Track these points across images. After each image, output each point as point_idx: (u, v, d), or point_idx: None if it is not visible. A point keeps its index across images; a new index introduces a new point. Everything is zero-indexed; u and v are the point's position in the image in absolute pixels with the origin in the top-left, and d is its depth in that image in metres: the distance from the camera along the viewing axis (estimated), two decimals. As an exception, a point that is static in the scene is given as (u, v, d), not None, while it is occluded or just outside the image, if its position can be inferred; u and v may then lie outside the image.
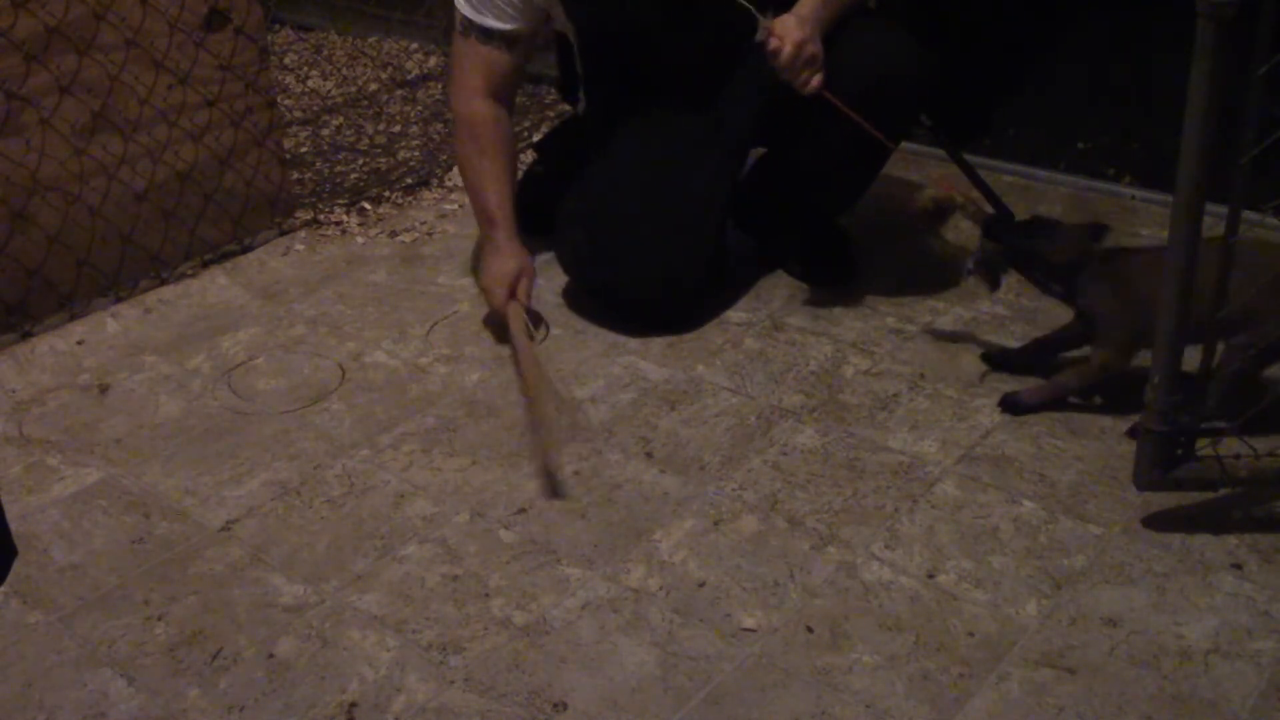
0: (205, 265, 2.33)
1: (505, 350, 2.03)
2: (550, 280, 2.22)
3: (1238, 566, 1.52)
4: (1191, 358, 1.50)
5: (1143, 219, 2.42)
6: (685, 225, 2.07)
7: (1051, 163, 2.63)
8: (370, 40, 3.53)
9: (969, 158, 2.51)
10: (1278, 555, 1.54)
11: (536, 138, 2.69)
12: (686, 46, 2.06)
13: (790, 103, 1.94)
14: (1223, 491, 1.61)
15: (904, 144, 2.66)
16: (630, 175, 2.09)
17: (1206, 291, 1.65)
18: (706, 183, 2.12)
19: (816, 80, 1.91)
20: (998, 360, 1.94)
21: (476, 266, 2.21)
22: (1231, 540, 1.56)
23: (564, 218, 2.17)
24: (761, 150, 2.30)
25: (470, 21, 2.07)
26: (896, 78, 2.01)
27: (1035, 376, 1.88)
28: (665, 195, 2.06)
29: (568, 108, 2.50)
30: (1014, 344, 1.99)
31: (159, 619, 1.49)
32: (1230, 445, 1.54)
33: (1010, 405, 1.84)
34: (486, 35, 2.07)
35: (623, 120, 2.13)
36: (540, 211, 2.26)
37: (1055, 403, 1.83)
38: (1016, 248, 1.80)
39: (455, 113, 2.15)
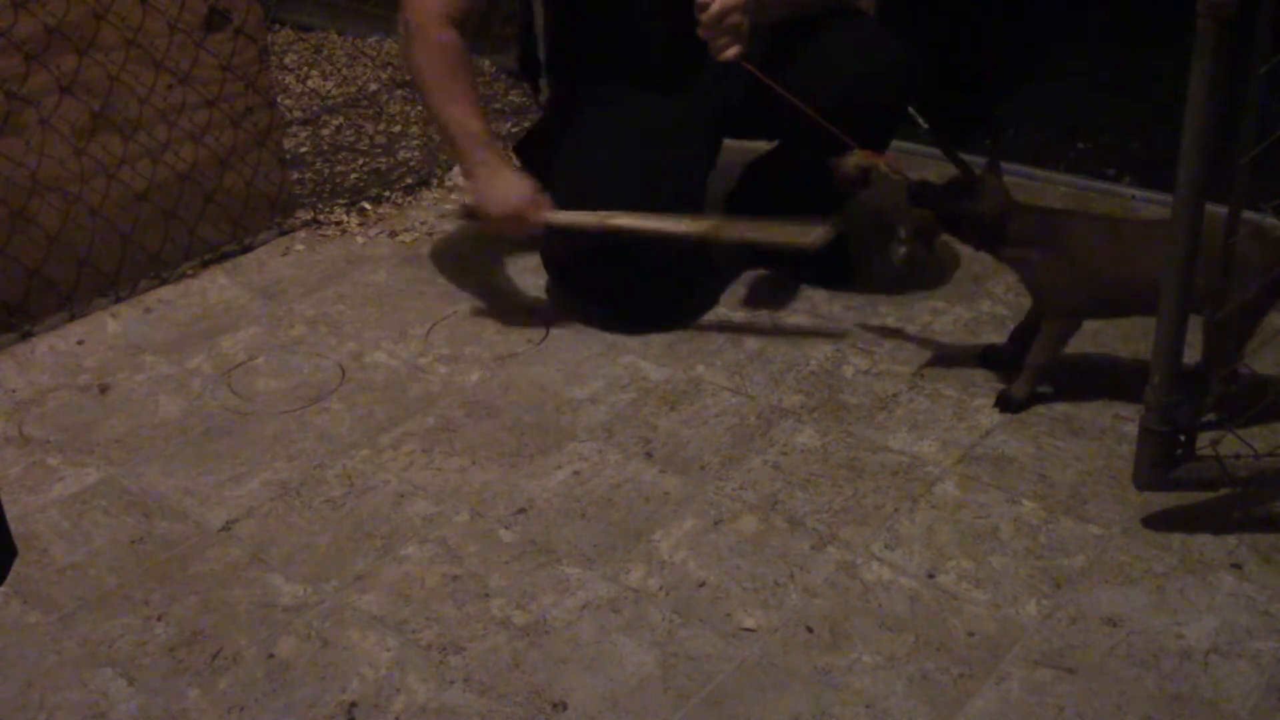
0: (205, 265, 2.33)
1: (507, 349, 2.03)
2: (547, 279, 2.22)
3: (1238, 566, 1.52)
4: (1190, 358, 1.50)
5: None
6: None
7: (1051, 163, 2.63)
8: (370, 40, 3.53)
9: (968, 157, 2.51)
10: (1278, 555, 1.54)
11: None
12: (651, 14, 2.04)
13: (773, 97, 1.93)
14: (1223, 491, 1.61)
15: (903, 143, 2.67)
16: (601, 175, 2.06)
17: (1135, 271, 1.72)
18: (679, 174, 2.10)
19: (732, 51, 1.88)
20: (988, 358, 1.95)
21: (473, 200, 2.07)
22: (1231, 540, 1.56)
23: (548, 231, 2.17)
24: (753, 149, 2.29)
25: None
26: (879, 80, 2.00)
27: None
28: (638, 191, 2.03)
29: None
30: (1014, 344, 1.99)
31: (159, 619, 1.49)
32: (1230, 445, 1.54)
33: (1004, 403, 1.84)
34: None
35: (588, 111, 2.11)
36: None
37: (1040, 384, 1.85)
38: (943, 210, 1.81)
39: (421, 35, 1.98)
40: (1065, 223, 1.83)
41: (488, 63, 3.22)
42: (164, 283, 2.27)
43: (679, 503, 1.67)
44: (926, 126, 2.44)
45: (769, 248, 2.06)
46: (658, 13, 2.04)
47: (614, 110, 2.10)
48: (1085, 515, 1.62)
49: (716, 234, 2.00)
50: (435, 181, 2.67)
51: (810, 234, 1.94)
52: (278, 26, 3.51)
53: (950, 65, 2.65)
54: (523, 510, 1.66)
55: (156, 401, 1.93)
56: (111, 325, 2.15)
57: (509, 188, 1.98)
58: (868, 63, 2.00)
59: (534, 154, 2.29)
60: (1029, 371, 1.84)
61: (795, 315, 2.13)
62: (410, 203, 2.59)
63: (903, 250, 1.85)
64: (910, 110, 2.34)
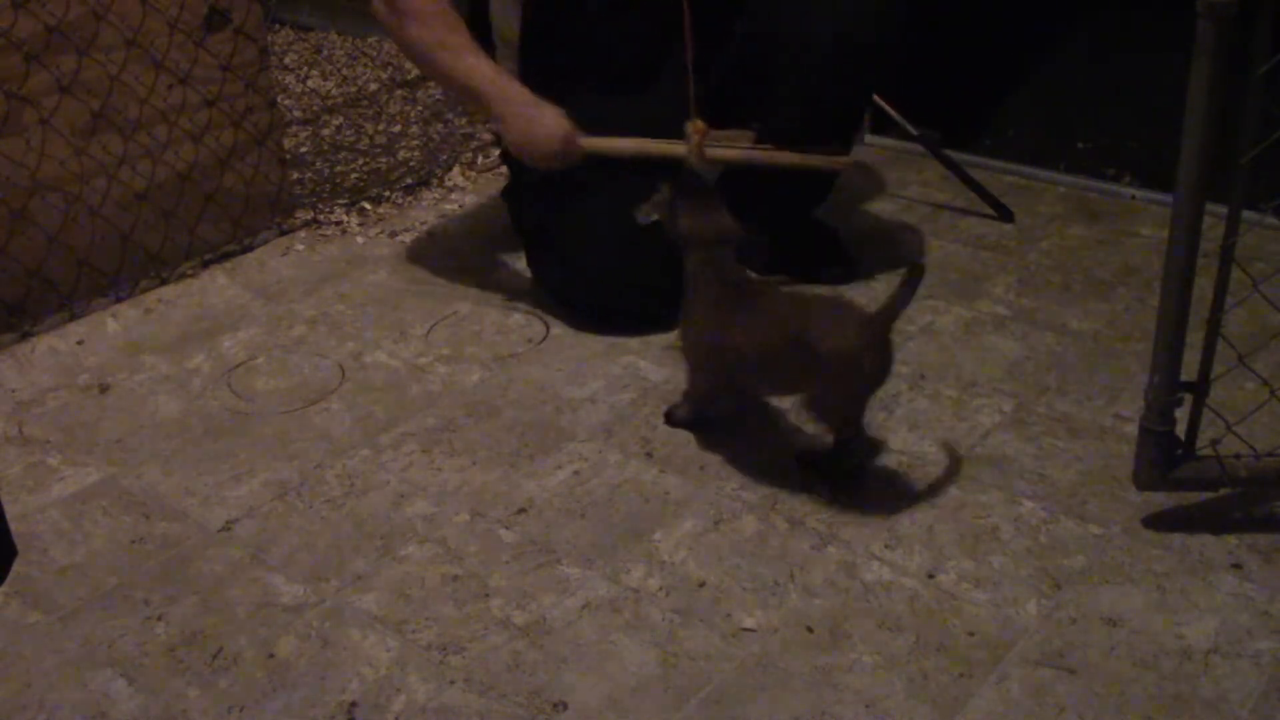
0: (205, 265, 2.33)
1: (507, 349, 2.03)
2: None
3: (1238, 566, 1.52)
4: (1190, 361, 1.50)
5: (1143, 219, 2.43)
6: (648, 227, 2.05)
7: (1051, 163, 2.63)
8: (370, 40, 3.53)
9: (968, 157, 2.52)
10: (1278, 555, 1.54)
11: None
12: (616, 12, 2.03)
13: (738, 83, 1.92)
14: (1223, 491, 1.61)
15: (903, 143, 2.67)
16: (584, 185, 2.04)
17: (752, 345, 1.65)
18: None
19: None
20: (670, 416, 1.85)
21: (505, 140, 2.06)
22: (1231, 540, 1.56)
23: (533, 242, 2.17)
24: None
25: None
26: (854, 42, 1.98)
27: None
28: (622, 199, 2.02)
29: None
30: (1014, 344, 1.99)
31: (159, 619, 1.49)
32: (1230, 445, 1.54)
33: (667, 416, 1.83)
34: None
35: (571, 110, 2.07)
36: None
37: (702, 411, 1.81)
38: (673, 201, 1.74)
39: (409, 6, 1.97)
40: (727, 291, 1.70)
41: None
42: (164, 283, 2.27)
43: (679, 503, 1.67)
44: (917, 134, 2.44)
45: (796, 169, 2.02)
46: (623, 10, 2.03)
47: (595, 111, 2.09)
48: (1085, 515, 1.62)
49: (745, 159, 1.98)
50: (435, 181, 2.67)
51: (838, 159, 1.96)
52: (278, 26, 3.52)
53: (949, 65, 2.65)
54: (523, 510, 1.66)
55: (156, 401, 1.93)
56: (111, 325, 2.15)
57: (542, 123, 1.96)
58: (844, 22, 1.98)
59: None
60: (685, 398, 1.82)
61: (795, 315, 2.12)
62: (410, 203, 2.59)
63: (649, 211, 1.77)
64: (896, 115, 2.35)
